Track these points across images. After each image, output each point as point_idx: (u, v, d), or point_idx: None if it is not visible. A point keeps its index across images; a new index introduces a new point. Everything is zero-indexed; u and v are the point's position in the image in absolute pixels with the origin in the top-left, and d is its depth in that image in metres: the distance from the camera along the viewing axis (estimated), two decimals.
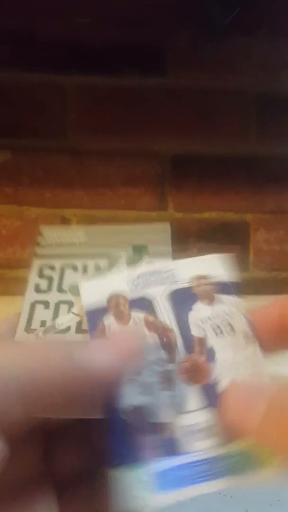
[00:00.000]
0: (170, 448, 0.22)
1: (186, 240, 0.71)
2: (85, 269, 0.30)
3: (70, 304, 0.28)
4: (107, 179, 0.70)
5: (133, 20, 0.67)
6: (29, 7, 0.66)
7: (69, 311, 0.28)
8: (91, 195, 0.70)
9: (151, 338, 0.24)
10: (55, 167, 0.69)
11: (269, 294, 0.71)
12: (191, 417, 0.22)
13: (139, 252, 0.31)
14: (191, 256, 0.27)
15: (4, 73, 0.68)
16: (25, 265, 0.69)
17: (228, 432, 0.21)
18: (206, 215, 0.72)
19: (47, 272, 0.30)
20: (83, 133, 0.70)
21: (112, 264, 0.30)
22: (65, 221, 0.70)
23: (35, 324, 0.27)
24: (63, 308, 0.28)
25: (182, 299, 0.25)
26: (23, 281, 0.72)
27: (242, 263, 0.72)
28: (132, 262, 0.30)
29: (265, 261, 0.73)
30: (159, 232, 0.32)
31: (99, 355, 0.22)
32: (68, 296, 0.28)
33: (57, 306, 0.28)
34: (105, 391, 0.22)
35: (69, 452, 0.26)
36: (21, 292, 0.73)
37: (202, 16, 0.67)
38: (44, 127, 0.69)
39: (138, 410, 0.22)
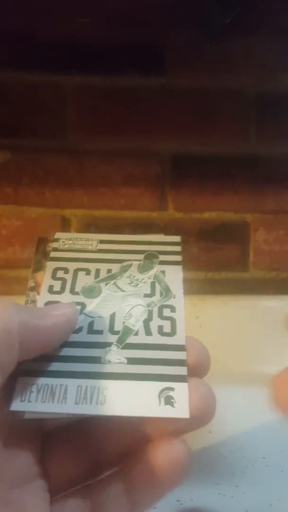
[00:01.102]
0: None
1: (186, 240, 0.71)
2: (97, 273, 0.32)
3: (83, 306, 0.30)
4: (107, 179, 0.70)
5: (133, 20, 0.67)
6: (29, 7, 0.66)
7: (81, 312, 0.29)
8: (91, 195, 0.70)
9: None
10: (55, 167, 0.69)
11: (269, 294, 0.71)
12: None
13: (150, 259, 0.33)
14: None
15: (3, 73, 0.68)
16: (25, 265, 0.69)
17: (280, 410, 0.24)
18: (206, 215, 0.72)
19: (60, 274, 0.31)
20: (83, 133, 0.70)
21: (124, 269, 0.32)
22: (65, 221, 0.70)
23: None
24: None
25: None
26: (23, 281, 0.72)
27: (242, 263, 0.72)
28: (143, 268, 0.32)
29: (265, 261, 0.73)
30: (170, 242, 0.34)
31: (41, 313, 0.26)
32: (81, 298, 0.30)
33: None
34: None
35: (65, 455, 0.27)
36: (21, 292, 0.73)
37: (202, 16, 0.67)
38: (44, 127, 0.69)
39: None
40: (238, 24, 0.67)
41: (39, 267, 0.32)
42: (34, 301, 0.30)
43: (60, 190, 0.70)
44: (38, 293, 0.30)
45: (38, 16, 0.67)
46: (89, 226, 0.70)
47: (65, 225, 0.70)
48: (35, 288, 0.30)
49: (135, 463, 0.25)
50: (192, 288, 0.72)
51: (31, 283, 0.31)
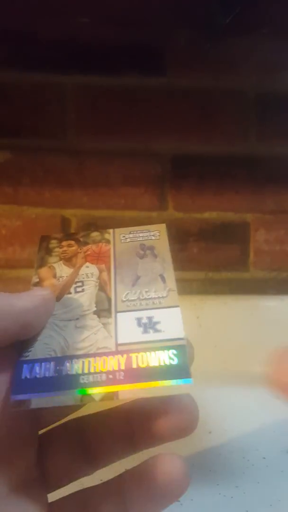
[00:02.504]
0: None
1: (186, 240, 0.71)
2: None
3: None
4: (107, 179, 0.70)
5: (133, 20, 0.67)
6: (29, 6, 0.66)
7: None
8: (91, 195, 0.70)
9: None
10: (55, 167, 0.69)
11: (269, 294, 0.71)
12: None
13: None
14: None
15: (3, 72, 0.68)
16: (24, 265, 0.69)
17: (277, 389, 0.23)
18: (206, 215, 0.71)
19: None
20: (83, 133, 0.70)
21: None
22: (65, 221, 0.70)
23: None
24: None
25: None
26: (23, 281, 0.72)
27: (242, 263, 0.72)
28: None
29: (265, 261, 0.73)
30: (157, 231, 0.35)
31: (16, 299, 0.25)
32: None
33: None
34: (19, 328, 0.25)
35: (62, 454, 0.26)
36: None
37: (202, 16, 0.67)
38: (44, 127, 0.69)
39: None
40: (238, 24, 0.67)
41: (43, 264, 0.32)
42: None
43: (60, 190, 0.70)
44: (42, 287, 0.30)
45: (38, 17, 0.67)
46: (89, 226, 0.70)
47: (65, 225, 0.70)
48: (39, 284, 0.30)
49: (132, 478, 0.25)
50: (192, 288, 0.72)
51: (34, 279, 0.31)
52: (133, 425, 0.25)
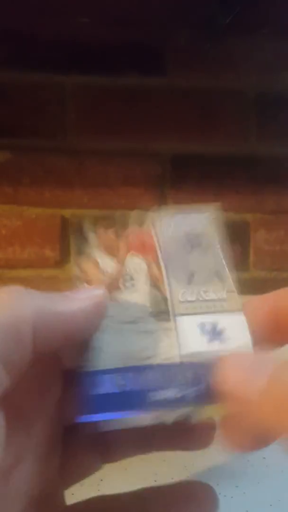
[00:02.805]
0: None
1: None
2: None
3: None
4: (107, 179, 0.70)
5: (133, 20, 0.68)
6: (28, 6, 0.66)
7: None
8: (91, 195, 0.70)
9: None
10: (55, 167, 0.69)
11: None
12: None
13: None
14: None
15: (3, 73, 0.68)
16: (24, 265, 0.69)
17: (224, 400, 0.21)
18: None
19: None
20: (83, 133, 0.70)
21: None
22: (64, 221, 0.70)
23: None
24: None
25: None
26: (23, 281, 0.72)
27: (242, 263, 0.72)
28: None
29: (265, 261, 0.73)
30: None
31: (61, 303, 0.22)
32: None
33: None
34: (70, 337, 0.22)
35: (80, 455, 0.25)
36: None
37: (202, 16, 0.67)
38: (44, 127, 0.69)
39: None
40: (238, 24, 0.67)
41: (82, 254, 0.28)
42: None
43: (60, 190, 0.70)
44: (88, 282, 0.26)
45: (38, 17, 0.67)
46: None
47: (64, 225, 0.70)
48: (84, 279, 0.26)
49: (157, 501, 0.24)
50: None
51: (77, 272, 0.27)
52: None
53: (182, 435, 0.24)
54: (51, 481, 0.23)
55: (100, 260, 0.27)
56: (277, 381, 0.18)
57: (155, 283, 0.25)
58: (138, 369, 0.21)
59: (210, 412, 0.23)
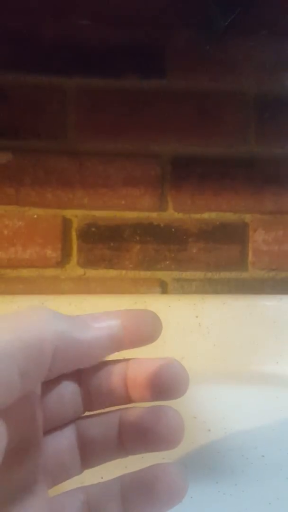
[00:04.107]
0: None
1: (186, 240, 0.72)
2: None
3: None
4: (107, 180, 0.70)
5: (133, 22, 0.68)
6: (29, 8, 0.66)
7: None
8: (91, 195, 0.70)
9: None
10: (56, 168, 0.70)
11: (268, 293, 0.72)
12: None
13: None
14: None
15: (4, 74, 0.69)
16: (26, 265, 0.70)
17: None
18: (206, 215, 0.72)
19: None
20: (84, 134, 0.70)
21: None
22: (66, 221, 0.70)
23: None
24: None
25: None
26: (25, 281, 0.72)
27: (241, 263, 0.73)
28: None
29: (264, 261, 0.73)
30: None
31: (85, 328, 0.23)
32: None
33: None
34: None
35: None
36: (22, 292, 0.74)
37: (202, 17, 0.68)
38: (45, 128, 0.70)
39: None
40: (238, 25, 0.68)
41: None
42: None
43: (61, 190, 0.70)
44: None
45: (39, 19, 0.67)
46: (90, 227, 0.71)
47: (66, 226, 0.70)
48: None
49: (132, 485, 0.25)
50: (192, 287, 0.72)
51: None
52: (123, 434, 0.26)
53: (152, 437, 0.25)
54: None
55: None
56: None
57: None
58: None
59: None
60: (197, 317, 0.66)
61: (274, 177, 0.72)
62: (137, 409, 0.26)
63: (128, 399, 0.26)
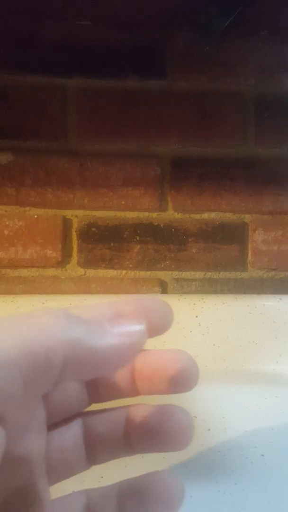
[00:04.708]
0: None
1: (186, 240, 0.72)
2: None
3: None
4: (107, 180, 0.71)
5: (133, 23, 0.68)
6: (30, 9, 0.66)
7: None
8: (92, 196, 0.71)
9: None
10: (56, 169, 0.70)
11: (267, 293, 0.72)
12: None
13: None
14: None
15: (5, 75, 0.69)
16: (26, 265, 0.70)
17: None
18: (205, 215, 0.72)
19: None
20: (84, 134, 0.70)
21: None
22: (66, 221, 0.71)
23: None
24: None
25: None
26: (25, 280, 0.72)
27: (241, 263, 0.73)
28: None
29: (263, 261, 0.73)
30: None
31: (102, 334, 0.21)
32: None
33: None
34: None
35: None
36: (22, 292, 0.74)
37: (202, 18, 0.68)
38: (45, 129, 0.70)
39: None
40: (237, 26, 0.68)
41: None
42: None
43: (61, 191, 0.70)
44: None
45: (40, 20, 0.67)
46: (90, 227, 0.71)
47: (66, 226, 0.71)
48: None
49: (130, 493, 0.25)
50: (191, 287, 0.73)
51: None
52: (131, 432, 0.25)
53: (160, 437, 0.24)
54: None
55: None
56: None
57: None
58: None
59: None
60: (196, 317, 0.66)
61: (274, 177, 0.72)
62: (146, 407, 0.25)
63: (136, 391, 0.25)
